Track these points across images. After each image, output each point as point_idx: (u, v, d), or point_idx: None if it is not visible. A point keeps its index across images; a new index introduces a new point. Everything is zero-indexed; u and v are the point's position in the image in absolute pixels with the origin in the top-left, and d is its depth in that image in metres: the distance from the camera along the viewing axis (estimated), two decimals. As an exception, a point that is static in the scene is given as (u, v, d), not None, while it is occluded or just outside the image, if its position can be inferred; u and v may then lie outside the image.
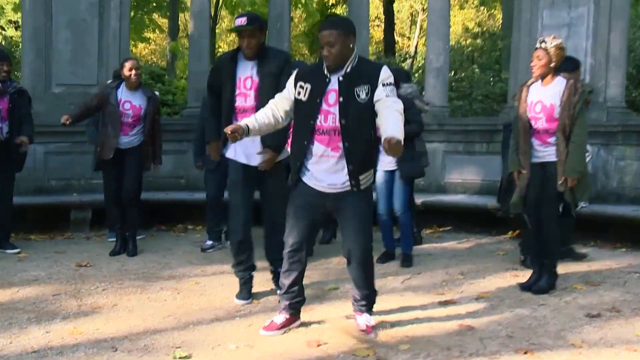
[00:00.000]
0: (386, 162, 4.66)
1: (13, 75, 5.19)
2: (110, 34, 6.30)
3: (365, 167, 3.03)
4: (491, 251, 5.26)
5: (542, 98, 3.87)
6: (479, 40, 15.09)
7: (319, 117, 2.96)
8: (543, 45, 3.82)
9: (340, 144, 2.94)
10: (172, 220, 6.15)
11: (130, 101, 4.89)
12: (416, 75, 13.09)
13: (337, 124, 2.93)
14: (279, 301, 3.28)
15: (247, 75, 3.53)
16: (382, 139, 2.70)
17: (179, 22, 17.04)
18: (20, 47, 12.31)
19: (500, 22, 15.19)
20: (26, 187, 5.90)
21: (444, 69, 6.83)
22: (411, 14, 23.73)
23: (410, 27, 23.56)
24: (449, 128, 6.70)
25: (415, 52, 18.84)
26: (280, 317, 3.20)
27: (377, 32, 22.44)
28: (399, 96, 3.08)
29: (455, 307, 3.62)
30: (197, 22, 6.80)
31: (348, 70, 2.95)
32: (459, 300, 3.75)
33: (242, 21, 3.45)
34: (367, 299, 3.23)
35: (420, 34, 21.54)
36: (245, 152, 3.57)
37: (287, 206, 3.13)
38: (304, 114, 3.01)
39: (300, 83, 3.03)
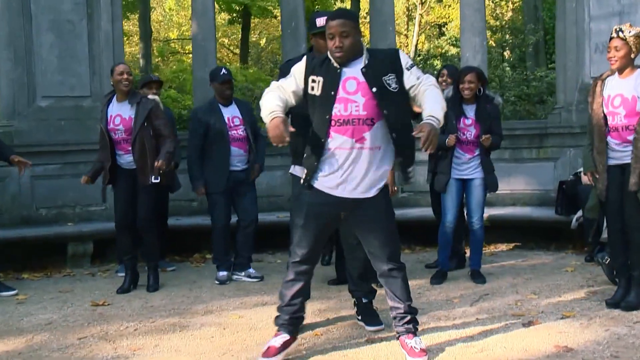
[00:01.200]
0: (463, 170, 5.01)
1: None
2: (102, 37, 6.48)
3: (412, 158, 3.35)
4: (557, 267, 5.54)
5: (622, 91, 4.13)
6: (499, 35, 15.56)
7: (338, 107, 3.17)
8: (620, 34, 4.10)
9: (371, 136, 3.17)
10: (187, 250, 6.31)
11: (120, 114, 5.00)
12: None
13: (362, 112, 3.15)
14: (277, 317, 3.49)
15: None
16: (424, 118, 3.06)
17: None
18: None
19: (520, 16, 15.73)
20: (11, 218, 6.03)
21: (482, 68, 7.10)
22: (407, 9, 24.33)
23: (408, 24, 24.10)
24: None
25: (416, 53, 19.28)
26: (278, 340, 3.40)
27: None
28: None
29: (542, 328, 3.84)
30: (201, 22, 7.03)
31: (367, 61, 3.21)
32: (543, 321, 3.98)
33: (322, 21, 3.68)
34: (412, 314, 3.46)
35: (419, 31, 22.07)
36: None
37: (297, 213, 3.40)
38: (319, 108, 3.24)
39: (312, 77, 3.26)
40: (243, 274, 5.41)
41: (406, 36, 23.09)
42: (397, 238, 3.44)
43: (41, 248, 5.87)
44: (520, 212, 6.64)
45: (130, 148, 4.99)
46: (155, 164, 4.89)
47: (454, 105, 4.98)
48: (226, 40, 23.67)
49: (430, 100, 3.14)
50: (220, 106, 5.34)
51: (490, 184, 5.06)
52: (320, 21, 3.73)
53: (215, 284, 5.31)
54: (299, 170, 3.80)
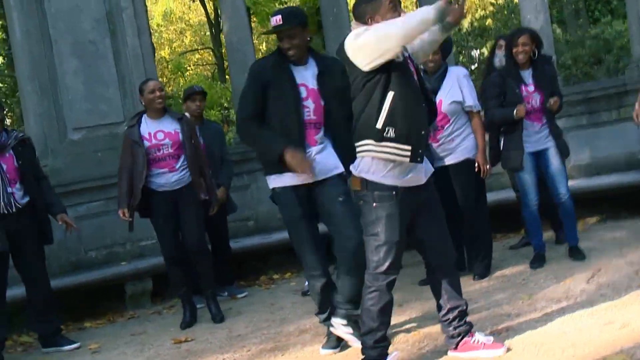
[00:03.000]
0: (534, 142, 5.09)
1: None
2: (130, 54, 6.60)
3: None
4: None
5: None
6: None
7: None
8: None
9: None
10: (251, 272, 6.46)
11: (162, 130, 5.11)
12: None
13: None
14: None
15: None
16: None
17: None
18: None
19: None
20: (60, 265, 6.21)
21: (546, 30, 7.22)
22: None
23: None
24: (567, 99, 7.05)
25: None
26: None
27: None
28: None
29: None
30: (233, 23, 7.17)
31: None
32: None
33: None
34: (467, 309, 3.62)
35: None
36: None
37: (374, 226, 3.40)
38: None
39: None
40: None
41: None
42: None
43: (96, 293, 6.03)
44: (607, 180, 6.72)
45: (176, 165, 5.12)
46: (218, 193, 5.38)
47: (511, 73, 5.08)
48: (264, 47, 23.90)
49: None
50: None
51: (563, 150, 5.14)
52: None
53: (297, 298, 5.51)
54: (288, 179, 3.90)
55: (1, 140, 4.91)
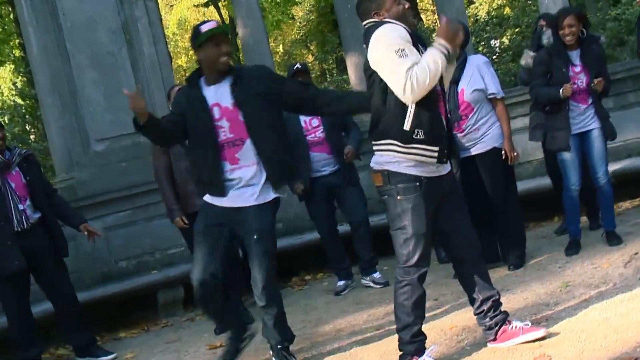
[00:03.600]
0: (578, 123, 5.03)
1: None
2: (147, 63, 6.68)
3: None
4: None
5: None
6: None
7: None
8: None
9: None
10: (282, 274, 6.42)
11: None
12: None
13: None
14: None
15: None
16: None
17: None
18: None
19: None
20: (91, 277, 6.25)
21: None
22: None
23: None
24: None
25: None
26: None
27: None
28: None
29: None
30: (249, 25, 7.19)
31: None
32: None
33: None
34: (499, 298, 3.57)
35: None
36: None
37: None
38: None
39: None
40: (368, 278, 5.60)
41: (433, 12, 23.05)
42: None
43: (129, 302, 6.06)
44: (638, 163, 6.63)
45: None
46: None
47: (559, 53, 5.02)
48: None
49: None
50: None
51: (609, 132, 5.08)
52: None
53: (330, 298, 5.50)
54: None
55: (6, 158, 4.90)
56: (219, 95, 3.77)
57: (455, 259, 3.60)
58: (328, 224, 5.62)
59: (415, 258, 3.34)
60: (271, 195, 3.80)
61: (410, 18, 3.40)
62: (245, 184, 3.74)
